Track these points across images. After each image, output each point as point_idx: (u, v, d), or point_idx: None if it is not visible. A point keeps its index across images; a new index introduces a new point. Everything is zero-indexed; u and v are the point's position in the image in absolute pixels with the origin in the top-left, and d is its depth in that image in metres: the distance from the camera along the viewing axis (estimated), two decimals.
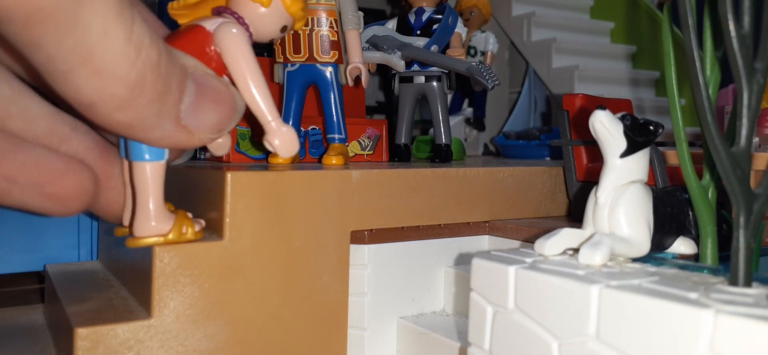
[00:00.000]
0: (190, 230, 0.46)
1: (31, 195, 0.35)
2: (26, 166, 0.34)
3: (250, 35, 0.44)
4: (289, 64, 0.67)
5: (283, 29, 0.47)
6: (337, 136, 0.67)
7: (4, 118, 0.35)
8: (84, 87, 0.30)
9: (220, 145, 0.45)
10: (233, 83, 0.42)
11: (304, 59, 0.66)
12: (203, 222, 0.49)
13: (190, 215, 0.47)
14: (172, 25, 0.44)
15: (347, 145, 0.70)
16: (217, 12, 0.44)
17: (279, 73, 0.68)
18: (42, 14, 0.27)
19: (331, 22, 0.65)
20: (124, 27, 0.30)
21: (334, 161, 0.65)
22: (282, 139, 0.44)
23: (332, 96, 0.67)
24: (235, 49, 0.41)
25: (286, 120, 0.67)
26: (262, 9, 0.44)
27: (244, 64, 0.41)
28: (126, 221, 0.45)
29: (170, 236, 0.45)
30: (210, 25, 0.42)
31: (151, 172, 0.42)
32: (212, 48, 0.41)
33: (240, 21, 0.43)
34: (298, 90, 0.67)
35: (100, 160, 0.41)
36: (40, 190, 0.35)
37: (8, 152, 0.34)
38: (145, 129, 0.34)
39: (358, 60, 0.66)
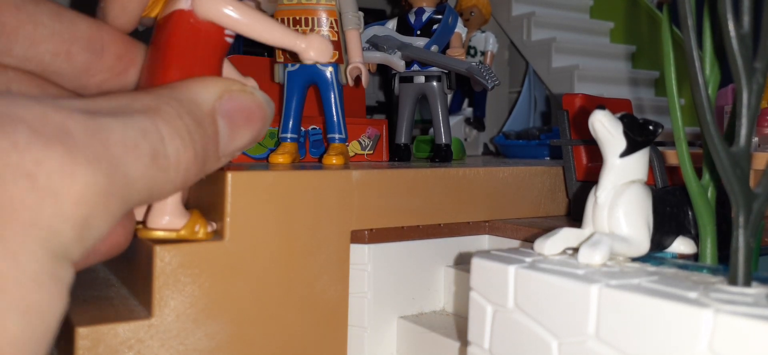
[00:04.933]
0: (202, 230, 0.47)
1: (91, 261, 0.37)
2: None
3: None
4: (289, 64, 0.67)
5: None
6: (337, 136, 0.67)
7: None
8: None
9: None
10: (236, 35, 0.42)
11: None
12: (216, 225, 0.49)
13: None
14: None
15: (347, 145, 0.70)
16: None
17: (279, 73, 0.68)
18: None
19: (331, 23, 0.65)
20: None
21: (334, 161, 0.65)
22: (316, 49, 0.43)
23: (332, 96, 0.67)
24: (221, 7, 0.40)
25: (286, 121, 0.68)
26: None
27: (239, 16, 0.40)
28: (138, 216, 0.45)
29: (182, 232, 0.45)
30: (184, 3, 0.40)
31: None
32: (198, 21, 0.40)
33: None
34: (299, 90, 0.67)
35: None
36: (97, 255, 0.37)
37: None
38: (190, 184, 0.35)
39: (359, 60, 0.67)
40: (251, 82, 0.42)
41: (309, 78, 0.67)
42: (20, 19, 0.36)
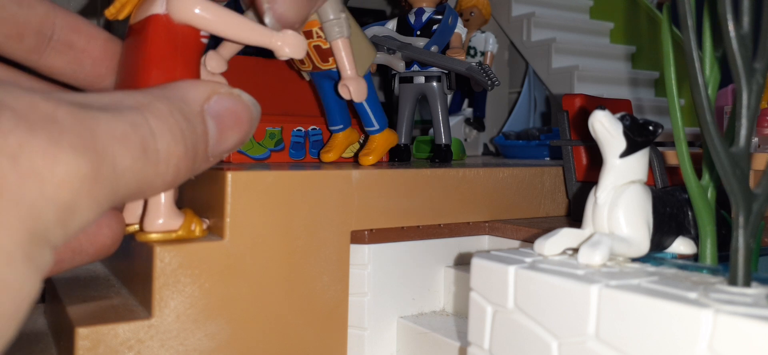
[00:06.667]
0: (198, 228, 0.47)
1: (77, 261, 0.38)
2: (68, 246, 0.37)
3: None
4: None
5: None
6: (371, 127, 0.68)
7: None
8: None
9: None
10: (213, 36, 0.42)
11: (311, 68, 0.66)
12: (209, 221, 0.49)
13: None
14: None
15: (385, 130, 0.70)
16: None
17: (305, 74, 0.71)
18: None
19: (315, 32, 0.62)
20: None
21: (370, 159, 0.67)
22: (290, 46, 0.44)
23: None
24: (197, 11, 0.41)
25: (327, 116, 0.70)
26: None
27: (214, 18, 0.41)
28: (129, 219, 0.45)
29: (180, 232, 0.46)
30: (159, 7, 0.41)
31: None
32: (174, 24, 0.41)
33: None
34: (325, 88, 0.69)
35: None
36: (84, 255, 0.38)
37: None
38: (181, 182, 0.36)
39: (347, 74, 0.62)
40: (221, 81, 0.43)
41: (328, 78, 0.67)
42: None
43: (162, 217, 0.44)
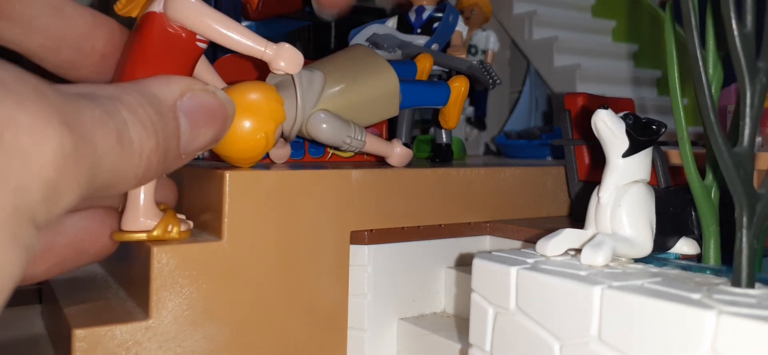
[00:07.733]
0: (176, 229, 0.46)
1: (80, 261, 0.39)
2: (71, 245, 0.39)
3: None
4: None
5: None
6: None
7: None
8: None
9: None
10: (209, 43, 0.42)
11: None
12: (191, 223, 0.49)
13: (182, 216, 0.48)
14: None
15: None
16: None
17: None
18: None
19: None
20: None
21: None
22: (286, 59, 0.44)
23: None
24: (192, 13, 0.40)
25: None
26: None
27: (210, 21, 0.41)
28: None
29: (155, 233, 0.45)
30: (157, 6, 0.41)
31: None
32: (169, 24, 0.41)
33: None
34: None
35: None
36: (86, 255, 0.40)
37: (53, 241, 0.38)
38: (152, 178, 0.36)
39: (387, 154, 0.62)
40: (218, 83, 0.44)
41: None
42: (20, 10, 0.38)
43: (140, 215, 0.44)
